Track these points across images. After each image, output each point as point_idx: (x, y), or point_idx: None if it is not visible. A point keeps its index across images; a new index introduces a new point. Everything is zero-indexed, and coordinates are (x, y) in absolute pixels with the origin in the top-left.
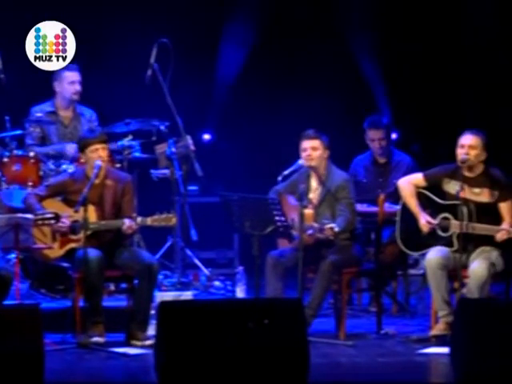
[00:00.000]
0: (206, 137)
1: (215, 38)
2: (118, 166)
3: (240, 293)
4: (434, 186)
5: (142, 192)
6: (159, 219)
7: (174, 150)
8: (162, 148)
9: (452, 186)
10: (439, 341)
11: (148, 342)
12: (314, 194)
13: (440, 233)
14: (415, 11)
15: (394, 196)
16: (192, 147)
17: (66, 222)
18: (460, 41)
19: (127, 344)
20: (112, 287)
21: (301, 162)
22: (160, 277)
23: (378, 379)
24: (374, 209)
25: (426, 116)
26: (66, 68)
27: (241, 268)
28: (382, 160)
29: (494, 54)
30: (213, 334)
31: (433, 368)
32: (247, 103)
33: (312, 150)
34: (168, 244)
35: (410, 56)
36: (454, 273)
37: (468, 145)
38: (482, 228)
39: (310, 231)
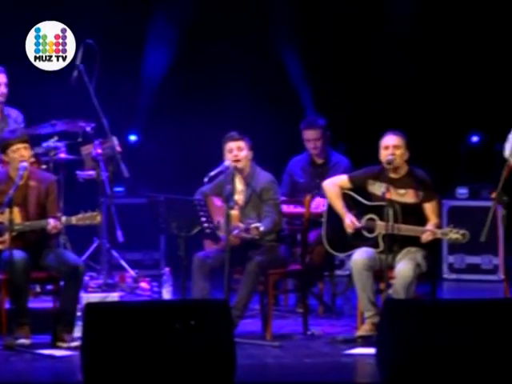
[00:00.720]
0: (132, 138)
1: (140, 38)
2: (44, 167)
3: (166, 294)
4: (358, 187)
5: (67, 194)
6: (84, 218)
7: (99, 151)
8: (87, 149)
9: (377, 188)
10: (365, 341)
11: (74, 344)
12: (239, 196)
13: (366, 234)
14: (338, 11)
15: None
16: (118, 148)
17: None
18: (382, 40)
19: (53, 346)
20: (38, 289)
21: (227, 163)
22: (86, 278)
23: (304, 380)
24: (300, 210)
25: (350, 116)
26: None
27: (167, 269)
28: (319, 161)
29: (413, 54)
30: (139, 335)
31: (359, 368)
32: (173, 104)
33: (238, 150)
34: (94, 245)
35: (335, 55)
36: (380, 273)
37: (392, 145)
38: (407, 229)
39: (235, 231)
